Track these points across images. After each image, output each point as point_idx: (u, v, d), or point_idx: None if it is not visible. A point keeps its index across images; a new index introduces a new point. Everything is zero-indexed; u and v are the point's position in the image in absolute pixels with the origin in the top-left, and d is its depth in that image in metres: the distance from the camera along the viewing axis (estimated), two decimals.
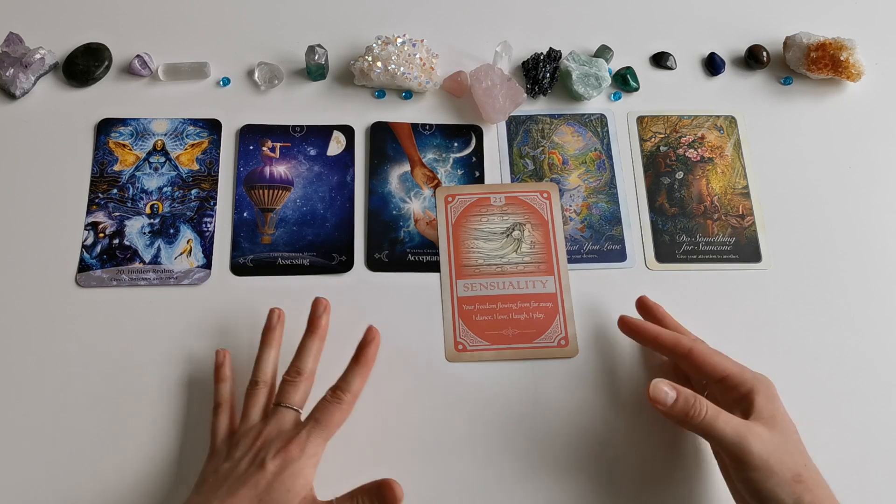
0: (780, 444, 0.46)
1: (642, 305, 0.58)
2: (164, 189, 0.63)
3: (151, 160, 0.64)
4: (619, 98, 0.69)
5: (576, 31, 0.73)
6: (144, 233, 0.61)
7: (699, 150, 0.67)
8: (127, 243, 0.61)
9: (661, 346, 0.52)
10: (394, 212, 0.63)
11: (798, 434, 0.48)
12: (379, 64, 0.66)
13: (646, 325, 0.54)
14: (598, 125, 0.68)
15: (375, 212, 0.63)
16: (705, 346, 0.51)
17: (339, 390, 0.51)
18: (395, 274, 0.61)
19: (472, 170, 0.65)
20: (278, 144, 0.66)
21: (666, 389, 0.47)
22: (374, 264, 0.61)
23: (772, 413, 0.48)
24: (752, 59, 0.71)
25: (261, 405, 0.52)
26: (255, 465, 0.47)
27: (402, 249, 0.62)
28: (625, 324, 0.54)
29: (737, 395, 0.49)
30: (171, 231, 0.61)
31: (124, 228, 0.61)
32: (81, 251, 0.60)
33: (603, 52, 0.71)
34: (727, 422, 0.46)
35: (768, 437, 0.46)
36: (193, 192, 0.63)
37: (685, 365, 0.52)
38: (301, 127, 0.66)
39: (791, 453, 0.46)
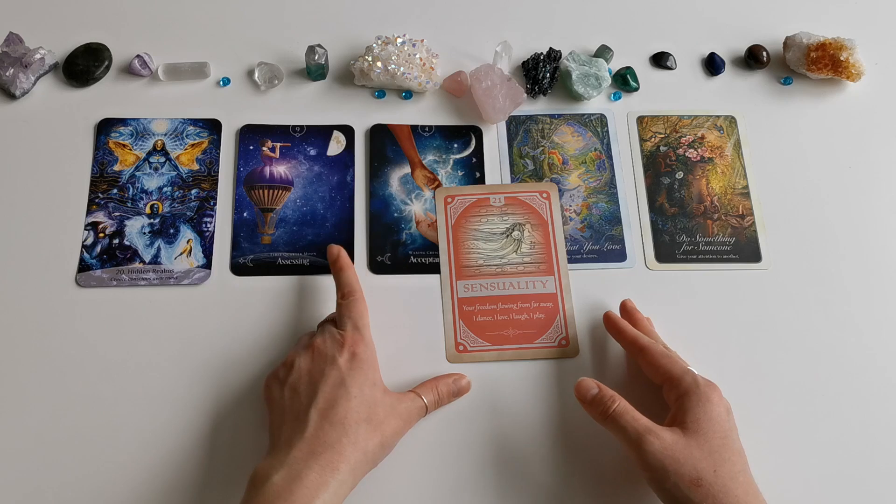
0: (683, 448, 0.46)
1: (624, 307, 0.59)
2: (164, 189, 0.63)
3: (151, 160, 0.64)
4: (619, 98, 0.69)
5: (576, 31, 0.73)
6: (144, 233, 0.61)
7: (699, 150, 0.67)
8: (127, 243, 0.61)
9: (623, 340, 0.55)
10: (395, 214, 0.63)
11: (728, 444, 0.47)
12: (379, 64, 0.66)
13: (621, 321, 0.56)
14: (598, 125, 0.68)
15: (377, 214, 0.63)
16: (661, 350, 0.53)
17: (346, 293, 0.55)
18: (397, 276, 0.61)
19: (473, 170, 0.65)
20: (278, 144, 0.65)
21: (591, 385, 0.51)
22: (376, 267, 0.61)
23: (696, 418, 0.48)
24: (752, 59, 0.71)
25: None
26: (327, 363, 0.50)
27: (404, 252, 0.62)
28: (608, 318, 0.57)
29: (674, 396, 0.51)
30: (171, 231, 0.61)
31: (124, 228, 0.61)
32: (81, 251, 0.60)
33: (603, 52, 0.71)
34: (630, 420, 0.48)
35: (672, 440, 0.47)
36: (193, 192, 0.63)
37: (640, 362, 0.54)
38: (301, 127, 0.66)
39: (697, 458, 0.46)
